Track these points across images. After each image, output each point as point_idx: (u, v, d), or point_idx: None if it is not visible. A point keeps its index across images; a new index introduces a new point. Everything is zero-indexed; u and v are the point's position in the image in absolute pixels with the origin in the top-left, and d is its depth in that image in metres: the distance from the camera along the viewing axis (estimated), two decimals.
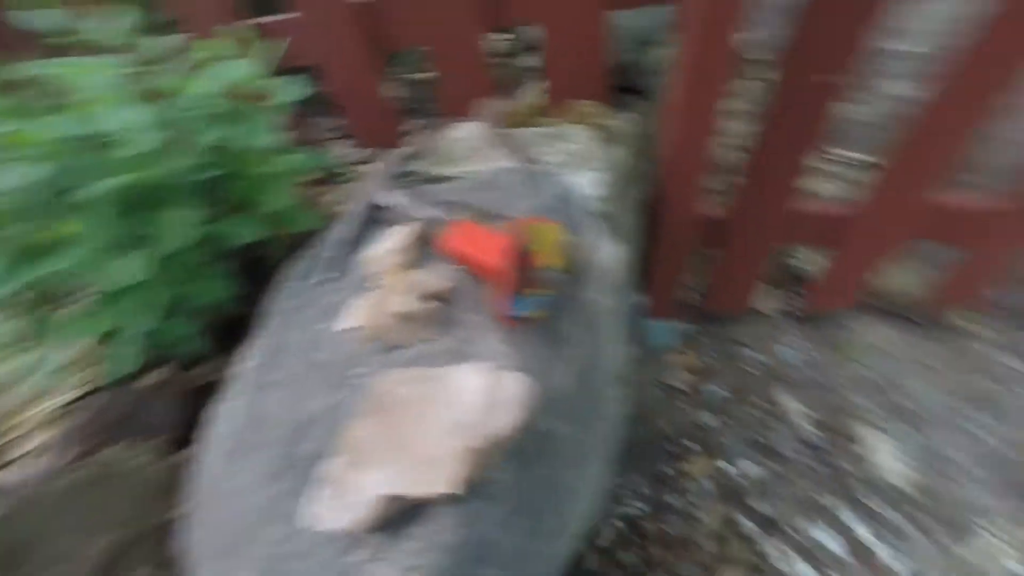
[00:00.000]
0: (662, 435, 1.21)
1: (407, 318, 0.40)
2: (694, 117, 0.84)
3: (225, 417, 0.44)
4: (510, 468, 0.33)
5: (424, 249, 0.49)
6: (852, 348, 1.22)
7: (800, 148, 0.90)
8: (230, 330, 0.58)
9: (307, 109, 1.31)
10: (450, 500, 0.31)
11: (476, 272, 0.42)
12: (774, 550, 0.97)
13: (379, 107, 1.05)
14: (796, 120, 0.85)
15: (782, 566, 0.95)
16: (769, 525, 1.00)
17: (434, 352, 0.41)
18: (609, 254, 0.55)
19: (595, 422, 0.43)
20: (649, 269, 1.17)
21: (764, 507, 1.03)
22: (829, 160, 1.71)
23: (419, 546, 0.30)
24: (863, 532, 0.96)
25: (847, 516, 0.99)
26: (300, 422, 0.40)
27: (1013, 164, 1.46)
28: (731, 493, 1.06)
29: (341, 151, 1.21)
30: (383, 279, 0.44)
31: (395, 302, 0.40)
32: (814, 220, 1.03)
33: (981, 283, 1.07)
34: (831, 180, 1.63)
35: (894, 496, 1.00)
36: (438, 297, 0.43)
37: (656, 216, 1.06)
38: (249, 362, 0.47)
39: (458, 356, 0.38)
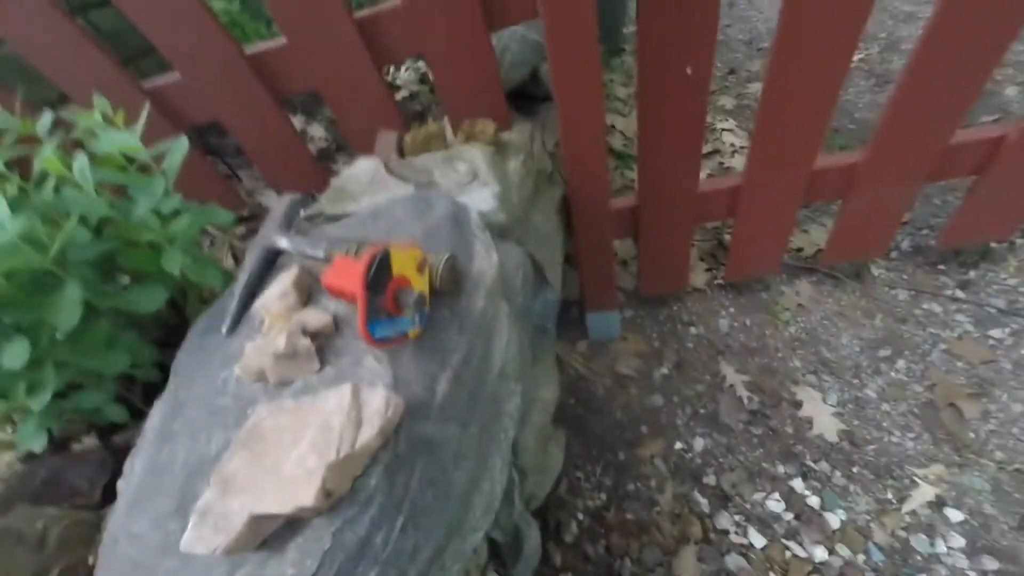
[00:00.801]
0: (617, 424, 1.26)
1: (287, 356, 0.44)
2: (576, 112, 0.85)
3: (129, 472, 0.47)
4: (382, 474, 0.37)
5: (312, 287, 0.54)
6: (781, 310, 1.27)
7: (680, 134, 0.93)
8: (153, 393, 0.61)
9: (235, 160, 1.34)
10: (323, 511, 0.35)
11: (349, 302, 0.47)
12: (727, 523, 1.01)
13: (289, 152, 1.02)
14: (669, 108, 0.89)
15: (736, 538, 0.98)
16: (721, 499, 1.04)
17: (320, 382, 0.45)
18: (499, 263, 0.61)
19: (490, 421, 0.48)
20: (578, 265, 1.24)
21: (715, 481, 1.06)
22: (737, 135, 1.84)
23: (297, 556, 0.34)
24: (805, 492, 1.01)
25: (790, 478, 1.03)
26: (196, 465, 0.43)
27: (867, 119, 1.61)
28: (684, 471, 1.09)
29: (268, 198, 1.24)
30: (267, 322, 0.48)
31: (277, 343, 0.44)
32: (713, 197, 1.09)
33: (873, 230, 1.13)
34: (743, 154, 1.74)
35: (829, 451, 1.05)
36: (321, 332, 0.48)
37: (571, 214, 1.09)
38: (153, 418, 0.51)
39: (340, 381, 0.42)
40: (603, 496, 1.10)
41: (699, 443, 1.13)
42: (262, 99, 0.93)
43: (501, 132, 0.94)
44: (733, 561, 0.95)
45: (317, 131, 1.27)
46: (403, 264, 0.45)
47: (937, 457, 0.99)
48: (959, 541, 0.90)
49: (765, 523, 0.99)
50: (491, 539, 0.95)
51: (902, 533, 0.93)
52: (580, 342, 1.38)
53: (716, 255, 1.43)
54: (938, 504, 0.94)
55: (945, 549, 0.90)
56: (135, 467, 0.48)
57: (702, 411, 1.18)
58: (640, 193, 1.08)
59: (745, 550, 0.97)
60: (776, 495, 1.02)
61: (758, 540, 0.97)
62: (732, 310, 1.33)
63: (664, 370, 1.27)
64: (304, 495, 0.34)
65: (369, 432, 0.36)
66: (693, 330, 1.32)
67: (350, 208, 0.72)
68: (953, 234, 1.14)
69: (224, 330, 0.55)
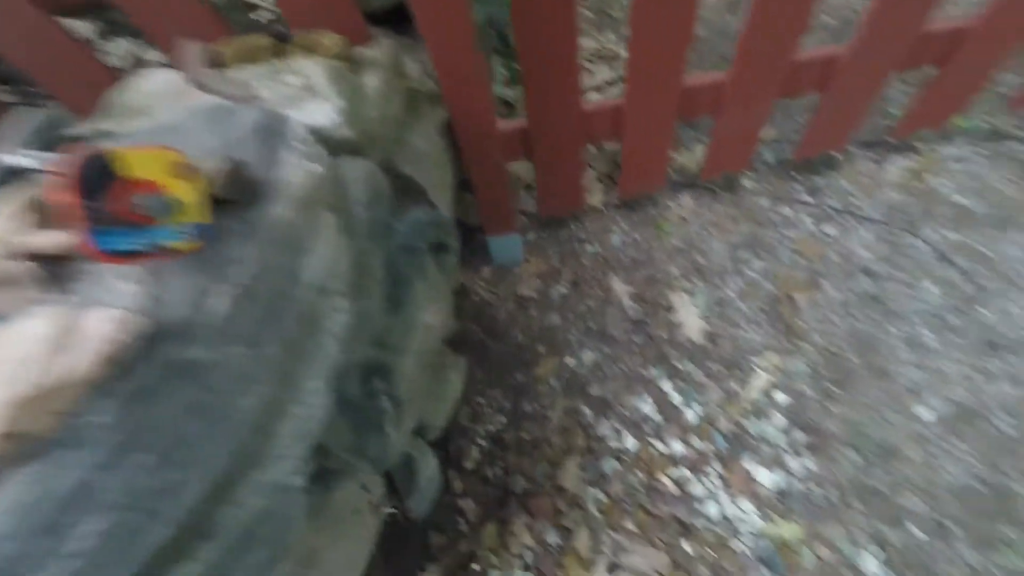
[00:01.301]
0: (517, 346, 1.30)
1: (6, 281, 0.36)
2: (446, 31, 0.79)
3: None
4: (114, 408, 0.32)
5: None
6: (665, 223, 1.32)
7: (555, 50, 0.91)
8: None
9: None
10: (16, 459, 0.30)
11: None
12: (608, 430, 1.08)
13: (76, 68, 0.84)
14: (542, 23, 0.85)
15: (613, 443, 1.06)
16: (604, 408, 1.11)
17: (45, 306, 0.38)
18: (321, 175, 0.54)
19: (299, 340, 0.44)
20: (473, 190, 1.17)
21: (599, 391, 1.13)
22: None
23: None
24: (672, 392, 1.09)
25: (660, 380, 1.11)
26: None
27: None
28: (574, 386, 1.14)
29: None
30: None
31: None
32: (598, 116, 1.08)
33: (740, 145, 1.19)
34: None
35: (694, 351, 1.13)
36: (58, 255, 0.39)
37: (457, 138, 1.02)
38: None
39: (78, 307, 0.35)
40: (503, 419, 1.14)
41: (588, 356, 1.18)
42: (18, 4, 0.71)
43: (354, 47, 0.81)
44: (609, 465, 1.04)
45: (122, 46, 1.02)
46: (145, 167, 0.37)
47: (773, 346, 1.11)
48: (781, 421, 1.03)
49: (637, 426, 1.07)
50: (387, 473, 0.97)
51: (741, 419, 1.04)
52: (484, 268, 1.36)
53: (613, 176, 1.44)
54: (769, 389, 1.06)
55: (771, 430, 1.02)
56: None
57: (592, 325, 1.23)
58: (529, 115, 1.04)
59: (620, 454, 1.05)
60: (648, 397, 1.10)
61: (631, 443, 1.05)
62: (624, 226, 1.37)
63: (562, 289, 1.29)
64: None
65: (82, 359, 0.31)
66: (589, 248, 1.35)
67: (141, 125, 0.59)
68: (805, 147, 1.24)
69: None
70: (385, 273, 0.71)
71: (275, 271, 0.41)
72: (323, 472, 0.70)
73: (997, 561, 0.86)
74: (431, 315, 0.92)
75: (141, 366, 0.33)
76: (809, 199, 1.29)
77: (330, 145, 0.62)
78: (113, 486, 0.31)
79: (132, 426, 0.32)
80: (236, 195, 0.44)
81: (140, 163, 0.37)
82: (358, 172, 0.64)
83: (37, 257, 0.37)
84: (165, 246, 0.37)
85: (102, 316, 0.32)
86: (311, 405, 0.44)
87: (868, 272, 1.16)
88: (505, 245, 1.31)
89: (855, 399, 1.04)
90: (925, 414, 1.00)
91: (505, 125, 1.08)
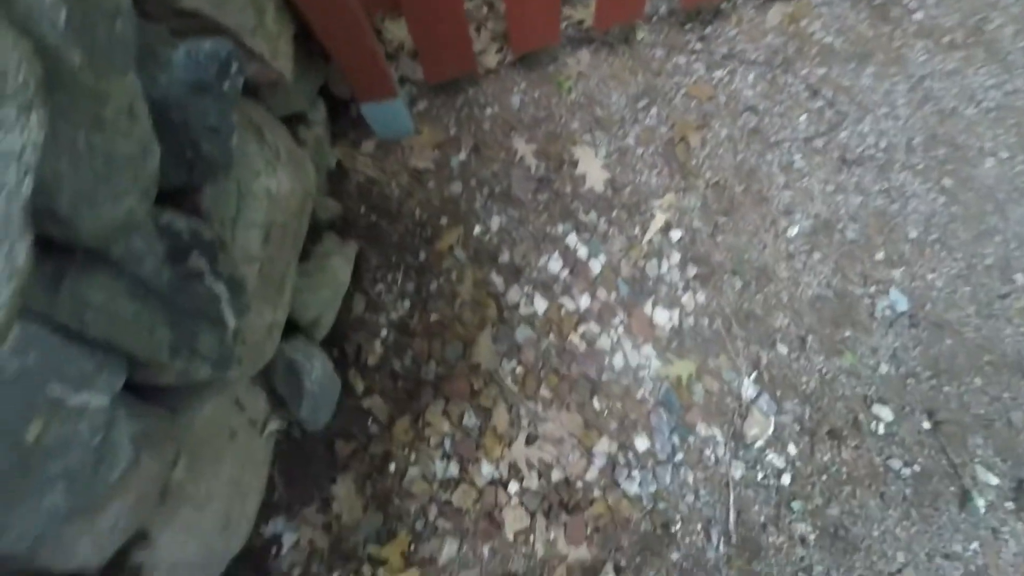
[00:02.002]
0: (416, 223, 1.19)
1: None
2: None
3: None
4: None
5: None
6: (564, 79, 1.20)
7: None
8: None
9: None
10: None
11: None
12: (519, 296, 1.04)
13: None
14: None
15: (525, 309, 1.03)
16: (514, 273, 1.06)
17: None
18: None
19: None
20: (328, 47, 0.90)
21: (508, 257, 1.07)
22: None
23: None
24: (577, 245, 1.07)
25: (567, 235, 1.08)
26: None
27: None
28: (482, 255, 1.07)
29: None
30: None
31: None
32: None
33: None
34: None
35: (597, 201, 1.11)
36: None
37: None
38: None
39: None
40: (407, 304, 1.05)
41: (495, 222, 1.10)
42: None
43: None
44: (521, 333, 1.01)
45: None
46: None
47: (670, 187, 1.12)
48: (676, 257, 1.07)
49: (547, 286, 1.05)
50: (268, 385, 0.85)
51: (641, 263, 1.06)
52: (366, 143, 1.18)
53: (508, 36, 1.30)
54: (666, 228, 1.09)
55: (667, 268, 1.06)
56: None
57: (497, 189, 1.14)
58: None
59: (531, 319, 1.03)
60: (556, 255, 1.07)
61: (541, 305, 1.03)
62: (523, 85, 1.24)
63: (462, 156, 1.16)
64: None
65: None
66: (489, 111, 1.21)
67: None
68: None
69: None
70: (171, 112, 0.52)
71: None
72: (161, 390, 0.56)
73: (840, 364, 1.03)
74: (274, 182, 0.75)
75: None
76: (699, 47, 1.27)
77: None
78: None
79: None
80: None
81: None
82: None
83: None
84: None
85: None
86: None
87: (751, 109, 1.18)
88: (386, 113, 1.11)
89: (738, 226, 1.10)
90: (791, 231, 1.10)
91: None
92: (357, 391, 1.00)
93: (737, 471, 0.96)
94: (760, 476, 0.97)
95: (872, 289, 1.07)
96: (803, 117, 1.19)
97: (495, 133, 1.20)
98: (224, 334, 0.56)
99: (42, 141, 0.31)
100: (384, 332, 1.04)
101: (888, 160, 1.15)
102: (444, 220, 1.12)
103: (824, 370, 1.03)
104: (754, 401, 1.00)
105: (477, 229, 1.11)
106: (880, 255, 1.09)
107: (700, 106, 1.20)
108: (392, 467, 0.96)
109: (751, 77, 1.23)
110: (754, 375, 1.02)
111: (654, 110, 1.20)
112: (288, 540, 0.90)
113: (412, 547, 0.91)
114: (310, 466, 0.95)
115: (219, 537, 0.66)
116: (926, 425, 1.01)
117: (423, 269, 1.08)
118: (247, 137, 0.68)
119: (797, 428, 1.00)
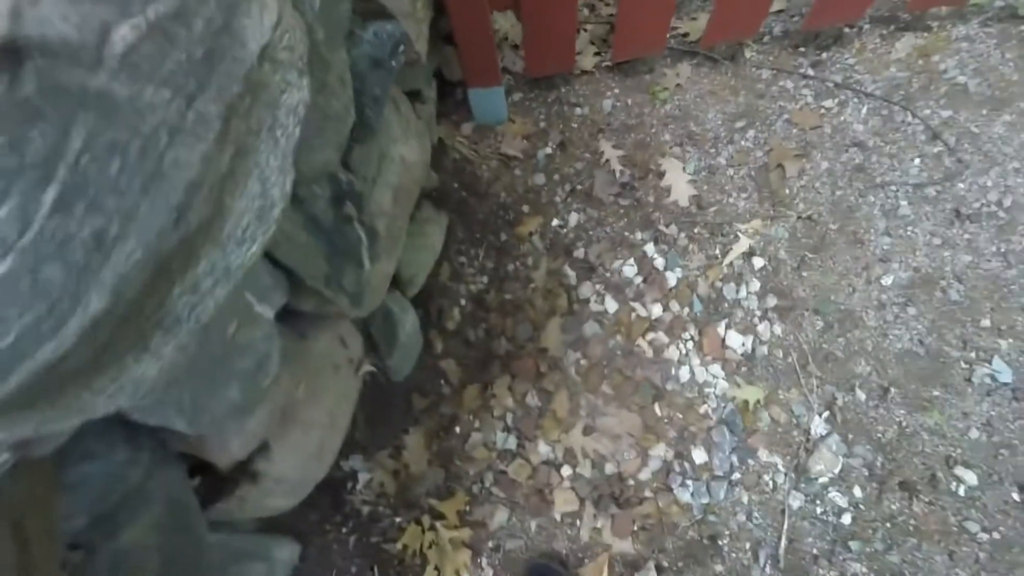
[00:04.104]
0: (500, 205, 1.23)
1: None
2: None
3: None
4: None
5: None
6: (660, 90, 1.19)
7: None
8: None
9: None
10: None
11: None
12: (590, 292, 1.06)
13: None
14: None
15: (595, 306, 1.05)
16: (587, 270, 1.07)
17: None
18: None
19: (250, 107, 0.35)
20: (454, 33, 0.96)
21: (583, 254, 1.09)
22: None
23: None
24: (654, 255, 1.07)
25: (645, 244, 1.08)
26: None
27: None
28: (558, 247, 1.10)
29: None
30: None
31: None
32: None
33: (747, 11, 1.07)
34: None
35: (680, 215, 1.10)
36: None
37: None
38: None
39: None
40: (485, 279, 1.09)
41: (574, 218, 1.12)
42: None
43: None
44: (590, 328, 1.03)
45: None
46: None
47: (758, 212, 1.09)
48: (756, 285, 1.04)
49: (619, 289, 1.06)
50: (366, 331, 0.93)
51: (719, 284, 1.04)
52: (465, 124, 1.22)
53: (608, 40, 1.29)
54: (749, 254, 1.06)
55: (745, 294, 1.03)
56: None
57: (579, 187, 1.15)
58: None
59: (600, 316, 1.04)
60: (631, 261, 1.07)
61: (612, 305, 1.04)
62: (616, 91, 1.24)
63: (548, 150, 1.18)
64: None
65: None
66: (579, 111, 1.22)
67: None
68: (816, 16, 1.11)
69: None
70: (352, 81, 0.60)
71: (201, 20, 0.31)
72: (298, 316, 0.64)
73: (923, 421, 0.96)
74: (407, 150, 0.82)
75: (15, 79, 0.23)
76: (811, 72, 1.21)
77: None
78: (6, 220, 0.23)
79: (12, 146, 0.23)
80: None
81: None
82: None
83: None
84: None
85: None
86: (271, 183, 0.36)
87: (859, 144, 1.11)
88: (488, 100, 1.16)
89: (827, 265, 1.05)
90: (886, 280, 1.03)
91: None
92: (436, 351, 1.05)
93: (795, 501, 0.94)
94: (819, 511, 0.93)
95: (972, 355, 0.99)
96: (917, 161, 1.11)
97: (582, 133, 1.21)
98: (361, 274, 0.63)
99: (308, 98, 0.37)
100: (463, 301, 1.08)
101: (1010, 221, 1.05)
102: (526, 208, 1.15)
103: (905, 424, 0.97)
104: (823, 439, 0.96)
105: (555, 222, 1.14)
106: (986, 322, 1.00)
107: (802, 134, 1.15)
108: (457, 429, 1.01)
109: (864, 110, 1.16)
110: (826, 414, 0.98)
111: (751, 132, 1.16)
112: (362, 479, 0.98)
113: (468, 508, 0.96)
114: (389, 413, 1.02)
115: (313, 461, 0.73)
116: (1016, 497, 0.92)
117: (503, 250, 1.12)
118: (389, 108, 0.74)
119: (866, 473, 0.95)
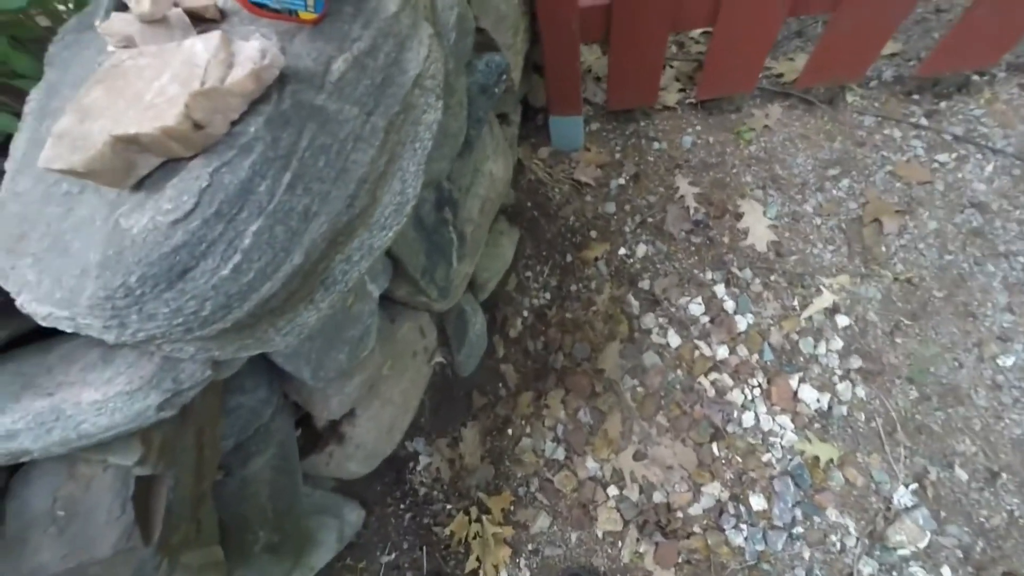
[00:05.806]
0: (569, 228, 1.29)
1: (157, 23, 0.36)
2: None
3: (13, 151, 0.45)
4: (263, 125, 0.35)
5: None
6: (746, 130, 1.20)
7: None
8: None
9: None
10: (196, 148, 0.34)
11: None
12: (653, 324, 1.07)
13: None
14: None
15: (657, 338, 1.06)
16: (652, 303, 1.09)
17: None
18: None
19: (401, 122, 0.44)
20: (543, 63, 1.06)
21: (649, 286, 1.11)
22: None
23: (174, 193, 0.33)
24: (724, 297, 1.06)
25: (715, 284, 1.08)
26: None
27: None
28: (623, 275, 1.13)
29: None
30: None
31: (142, 5, 0.36)
32: (691, 1, 0.95)
33: (854, 52, 1.04)
34: None
35: (755, 260, 1.08)
36: (203, 15, 0.39)
37: (535, 9, 0.92)
38: (30, 103, 0.45)
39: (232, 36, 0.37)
40: (547, 295, 1.15)
41: (642, 249, 1.15)
42: None
43: None
44: (649, 358, 1.04)
45: None
46: None
47: (846, 268, 1.05)
48: (838, 344, 0.99)
49: (684, 325, 1.06)
50: (440, 325, 1.02)
51: (795, 336, 1.01)
52: (543, 148, 1.32)
53: (693, 77, 1.33)
54: (832, 311, 1.02)
55: (824, 351, 0.99)
56: (18, 144, 0.44)
57: (650, 220, 1.19)
58: None
59: (661, 349, 1.05)
60: (699, 299, 1.07)
61: (674, 340, 1.05)
62: (698, 128, 1.27)
63: (621, 180, 1.24)
64: (167, 116, 0.31)
65: (240, 73, 0.33)
66: (656, 145, 1.27)
67: None
68: (937, 60, 1.04)
69: (97, 22, 0.47)
70: (465, 103, 0.70)
71: (384, 55, 0.42)
72: (390, 302, 0.74)
73: None
74: (495, 167, 0.92)
75: (276, 94, 0.35)
76: (925, 122, 1.14)
77: None
78: (266, 193, 0.34)
79: (276, 144, 0.34)
80: None
81: None
82: (449, 0, 0.61)
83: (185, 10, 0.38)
84: (293, 11, 0.38)
85: (255, 44, 0.34)
86: (408, 184, 0.45)
87: (979, 206, 1.04)
88: (567, 127, 1.25)
89: (927, 335, 0.98)
90: (1004, 360, 0.94)
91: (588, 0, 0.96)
92: (497, 355, 1.12)
93: (866, 567, 0.88)
94: None
95: None
96: None
97: (658, 167, 1.25)
98: (450, 271, 0.72)
99: (441, 118, 0.47)
100: (525, 313, 1.15)
101: None
102: (593, 233, 1.20)
103: (1018, 514, 0.87)
104: (908, 510, 0.89)
105: (623, 251, 1.17)
106: None
107: (907, 189, 1.09)
108: (510, 431, 1.06)
109: (989, 168, 1.07)
110: (914, 486, 0.91)
111: (846, 181, 1.13)
112: (423, 461, 1.06)
113: (512, 507, 1.00)
114: (451, 404, 1.09)
115: (385, 436, 0.83)
116: None
117: (567, 270, 1.17)
118: (485, 128, 0.84)
119: (960, 555, 0.86)
